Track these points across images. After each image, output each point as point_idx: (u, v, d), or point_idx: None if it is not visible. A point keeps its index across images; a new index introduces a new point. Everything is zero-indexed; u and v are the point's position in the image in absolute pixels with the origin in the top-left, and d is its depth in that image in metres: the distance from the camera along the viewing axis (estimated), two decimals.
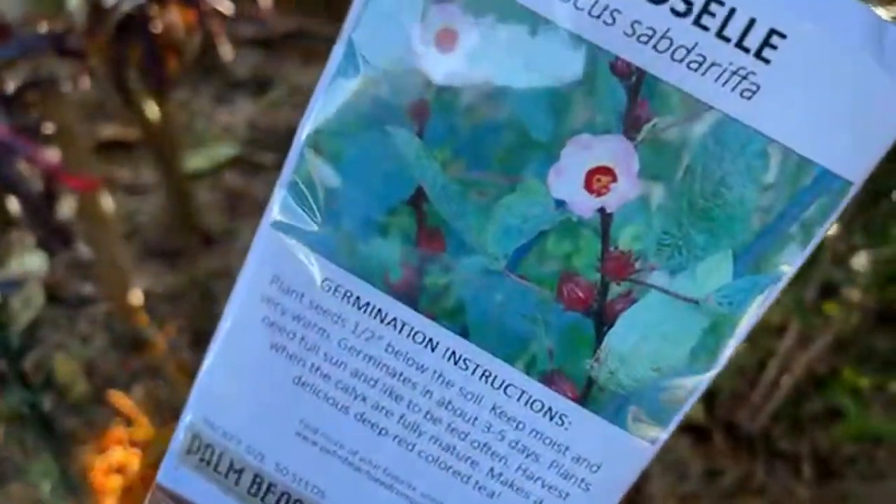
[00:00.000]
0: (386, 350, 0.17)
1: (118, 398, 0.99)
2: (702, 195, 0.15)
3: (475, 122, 0.16)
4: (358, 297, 0.17)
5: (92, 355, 1.21)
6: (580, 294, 0.16)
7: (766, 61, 0.14)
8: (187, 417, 0.20)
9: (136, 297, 1.17)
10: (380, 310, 0.17)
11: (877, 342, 1.25)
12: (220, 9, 1.17)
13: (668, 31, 0.15)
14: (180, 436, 0.20)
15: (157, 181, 1.51)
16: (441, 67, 0.15)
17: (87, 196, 1.05)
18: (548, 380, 0.17)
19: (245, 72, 2.13)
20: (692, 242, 0.16)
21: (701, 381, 0.16)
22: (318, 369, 0.18)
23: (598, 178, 0.16)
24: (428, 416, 0.17)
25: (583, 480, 0.17)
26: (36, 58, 0.95)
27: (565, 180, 0.16)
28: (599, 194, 0.16)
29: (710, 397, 1.05)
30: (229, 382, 0.19)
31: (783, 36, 0.14)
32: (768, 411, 1.03)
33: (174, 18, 1.12)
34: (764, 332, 1.01)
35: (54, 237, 0.93)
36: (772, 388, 1.01)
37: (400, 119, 0.16)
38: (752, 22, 0.14)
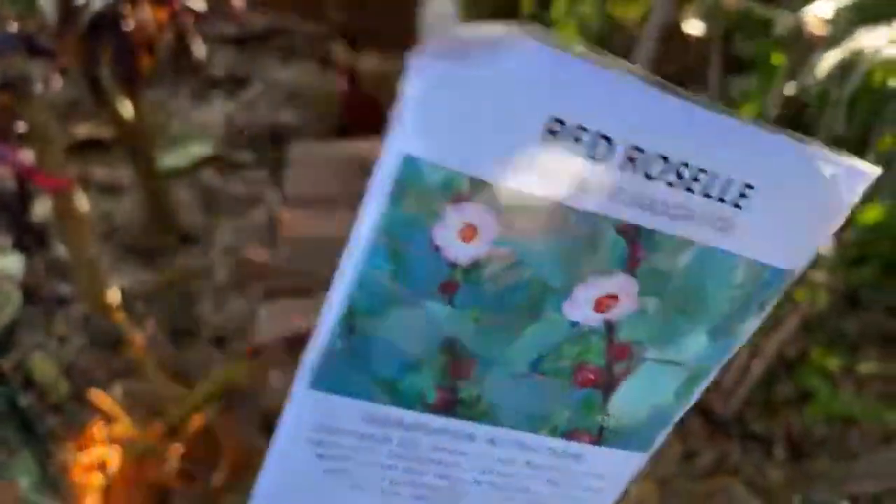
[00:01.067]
0: (431, 449, 0.21)
1: (97, 396, 0.99)
2: (686, 300, 0.19)
3: (500, 287, 0.19)
4: (401, 421, 0.20)
5: (70, 355, 1.21)
6: (591, 376, 0.21)
7: (739, 207, 0.18)
8: None
9: (114, 295, 1.17)
10: (421, 424, 0.21)
11: (844, 325, 1.27)
12: (193, 6, 1.17)
13: (663, 198, 0.18)
14: None
15: (133, 180, 1.50)
16: (465, 254, 0.18)
17: (62, 196, 1.05)
18: (568, 435, 0.21)
19: (221, 71, 2.12)
20: (677, 328, 0.20)
21: (680, 411, 0.22)
22: (370, 476, 0.21)
23: (606, 303, 0.19)
24: (474, 482, 0.21)
25: (595, 488, 0.22)
26: (7, 58, 0.95)
27: (578, 310, 0.19)
28: (606, 312, 0.19)
29: None
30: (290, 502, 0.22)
31: (752, 187, 0.18)
32: (741, 395, 1.05)
33: (146, 16, 1.12)
34: None
35: (29, 237, 0.93)
36: (744, 372, 1.03)
37: (431, 296, 0.19)
38: (729, 182, 0.18)
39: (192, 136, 1.83)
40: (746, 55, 1.18)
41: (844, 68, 0.63)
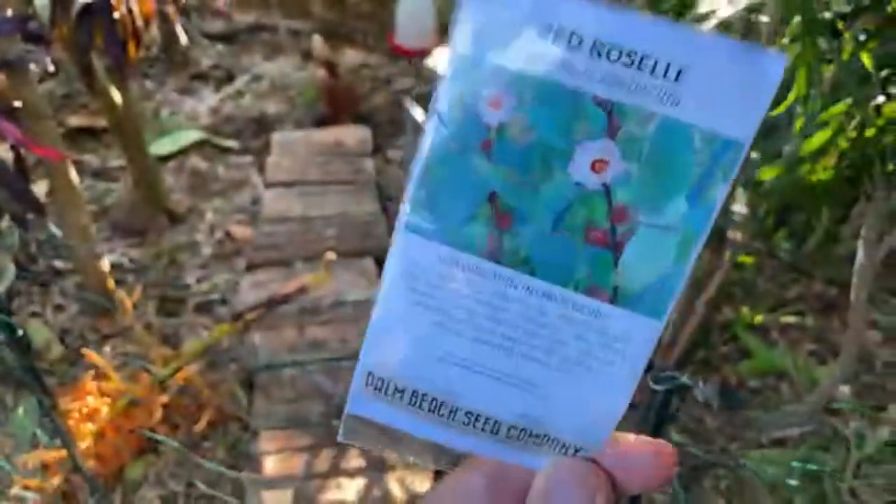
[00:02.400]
0: (485, 293, 0.27)
1: (90, 354, 1.08)
2: (659, 164, 0.25)
3: (520, 145, 0.25)
4: (463, 263, 0.26)
5: (64, 322, 1.30)
6: (600, 236, 0.26)
7: (679, 83, 0.24)
8: (362, 362, 0.27)
9: (105, 265, 1.26)
10: (478, 267, 0.26)
11: (786, 292, 1.36)
12: None
13: (622, 76, 0.24)
14: (359, 376, 0.28)
15: (124, 165, 1.58)
16: (495, 119, 0.25)
17: (56, 170, 1.13)
18: (589, 291, 0.26)
19: (209, 64, 2.21)
20: (659, 192, 0.26)
21: (682, 276, 0.26)
22: (445, 313, 0.27)
23: (598, 165, 0.25)
24: (518, 329, 0.27)
25: (620, 350, 0.27)
26: (2, 40, 1.02)
27: (579, 169, 0.25)
28: (600, 174, 0.25)
29: None
30: (390, 331, 0.27)
31: (687, 67, 0.24)
32: (680, 349, 1.14)
33: (133, 6, 1.20)
34: None
35: (28, 207, 1.01)
36: (679, 329, 1.12)
37: (476, 152, 0.25)
38: (668, 64, 0.24)
39: (181, 124, 1.92)
40: None
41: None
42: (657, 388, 0.61)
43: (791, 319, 1.27)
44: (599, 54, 0.24)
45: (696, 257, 0.26)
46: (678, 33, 0.24)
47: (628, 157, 0.25)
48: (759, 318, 1.24)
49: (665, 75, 0.24)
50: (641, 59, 0.24)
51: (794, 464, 0.94)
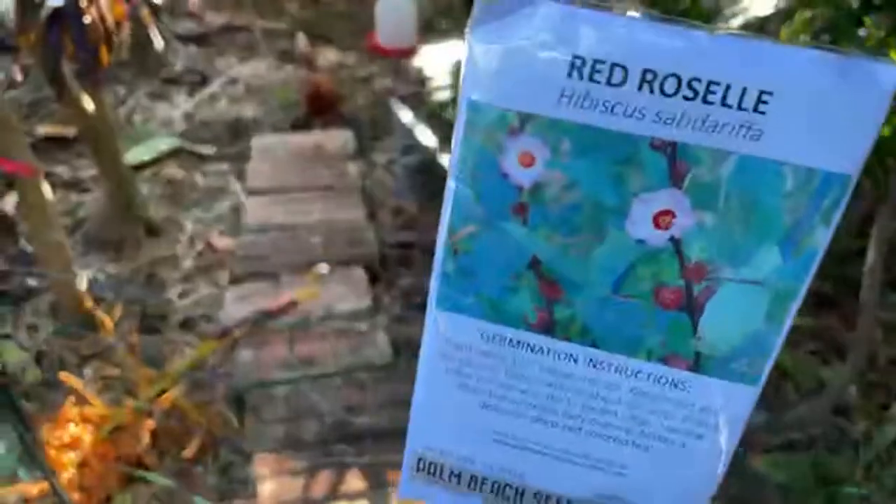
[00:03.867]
0: (540, 370, 0.24)
1: (69, 378, 1.02)
2: (742, 211, 0.21)
3: (562, 206, 0.21)
4: (509, 339, 0.23)
5: (40, 343, 1.24)
6: (672, 297, 0.22)
7: (763, 113, 0.20)
8: (410, 447, 0.25)
9: (81, 283, 1.20)
10: (528, 344, 0.23)
11: None
12: (151, 0, 1.20)
13: (684, 112, 0.20)
14: (408, 460, 0.26)
15: (97, 175, 1.52)
16: (528, 178, 0.21)
17: (27, 185, 1.08)
18: (665, 361, 0.23)
19: (182, 67, 2.14)
20: (743, 244, 0.21)
21: (779, 335, 0.23)
22: (494, 394, 0.24)
23: (663, 218, 0.21)
24: (584, 406, 0.24)
25: (710, 424, 0.24)
26: None
27: (639, 226, 0.21)
28: (666, 228, 0.21)
29: None
30: (436, 415, 0.25)
31: (770, 93, 0.20)
32: None
33: (104, 11, 1.15)
34: None
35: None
36: None
37: (507, 217, 0.22)
38: (744, 90, 0.20)
39: (155, 131, 1.85)
40: None
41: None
42: None
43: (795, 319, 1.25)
44: (651, 87, 0.20)
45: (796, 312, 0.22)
46: (756, 50, 0.19)
47: (701, 205, 0.21)
48: None
49: (741, 105, 0.20)
50: (708, 87, 0.20)
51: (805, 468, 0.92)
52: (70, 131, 1.74)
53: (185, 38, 2.27)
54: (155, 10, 1.16)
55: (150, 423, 1.03)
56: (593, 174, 0.21)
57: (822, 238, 0.21)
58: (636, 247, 0.22)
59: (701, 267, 0.22)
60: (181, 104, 2.00)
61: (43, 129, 1.81)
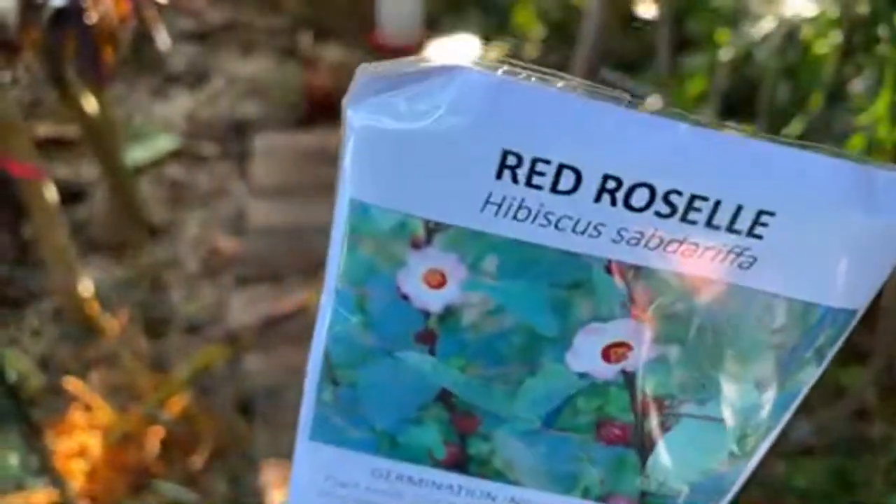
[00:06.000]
0: None
1: (75, 385, 1.00)
2: (716, 346, 0.16)
3: (483, 334, 0.17)
4: (410, 477, 0.19)
5: (43, 348, 1.22)
6: (618, 433, 0.18)
7: (759, 237, 0.15)
8: None
9: (86, 288, 1.18)
10: (433, 481, 0.19)
11: None
12: None
13: (655, 231, 0.15)
14: None
15: (99, 177, 1.50)
16: (437, 301, 0.16)
17: (32, 187, 1.05)
18: (604, 499, 0.19)
19: (182, 65, 2.12)
20: (714, 380, 0.17)
21: (742, 473, 0.19)
22: None
23: (615, 351, 0.17)
24: None
25: None
26: None
27: (583, 360, 0.17)
28: (618, 361, 0.17)
29: None
30: None
31: (772, 214, 0.15)
32: None
33: (108, 9, 1.12)
34: None
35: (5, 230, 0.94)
36: None
37: (408, 346, 0.17)
38: (739, 209, 0.15)
39: (155, 131, 1.83)
40: (697, 35, 1.23)
41: (784, 39, 0.67)
42: None
43: None
44: (613, 199, 0.14)
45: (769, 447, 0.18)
46: (760, 154, 0.14)
47: (665, 339, 0.16)
48: None
49: (732, 227, 0.15)
50: (691, 202, 0.14)
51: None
52: (72, 132, 1.72)
53: (185, 36, 2.25)
54: (160, 9, 1.14)
55: (159, 430, 1.01)
56: (527, 300, 0.16)
57: (810, 377, 0.17)
58: (577, 380, 0.17)
59: (657, 402, 0.18)
60: (182, 103, 1.98)
61: (44, 130, 1.78)
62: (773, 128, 0.83)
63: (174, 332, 1.26)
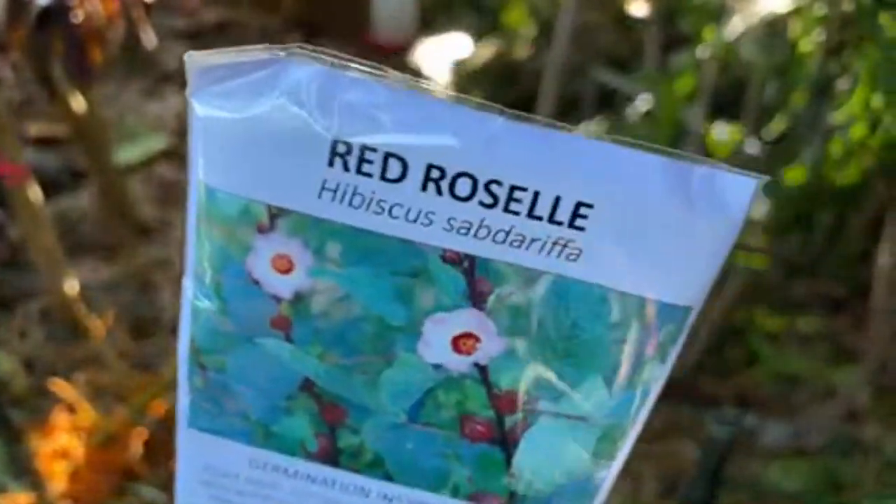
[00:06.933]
0: (325, 502, 0.20)
1: (59, 386, 1.00)
2: (559, 339, 0.17)
3: (334, 322, 0.17)
4: (286, 469, 0.19)
5: (29, 349, 1.21)
6: (481, 429, 0.19)
7: (581, 229, 0.16)
8: None
9: (73, 288, 1.17)
10: (308, 474, 0.19)
11: (791, 292, 1.32)
12: None
13: (483, 220, 0.16)
14: None
15: (88, 176, 1.50)
16: (286, 287, 0.17)
17: (18, 186, 1.05)
18: (474, 499, 0.19)
19: (174, 65, 2.11)
20: (563, 375, 0.18)
21: (607, 476, 0.19)
22: None
23: (463, 342, 0.18)
24: None
25: None
26: None
27: (434, 350, 0.18)
28: (469, 353, 0.18)
29: None
30: None
31: (590, 206, 0.15)
32: (692, 360, 1.09)
33: (95, 8, 1.12)
34: None
35: None
36: (692, 337, 1.07)
37: (265, 332, 0.18)
38: (557, 200, 0.15)
39: (146, 131, 1.82)
40: (687, 33, 1.23)
41: (766, 36, 0.67)
42: (720, 431, 0.54)
43: (804, 322, 1.23)
44: (439, 188, 0.15)
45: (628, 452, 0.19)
46: (575, 147, 0.15)
47: (509, 331, 0.17)
48: (773, 324, 1.19)
49: (553, 218, 0.15)
50: (511, 192, 0.15)
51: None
52: (60, 131, 1.71)
53: (177, 35, 2.24)
54: (147, 8, 1.13)
55: (143, 432, 1.00)
56: (372, 288, 0.16)
57: (656, 374, 0.18)
58: (434, 372, 0.18)
59: (513, 397, 0.18)
60: (173, 103, 1.97)
61: (33, 129, 1.77)
62: (760, 126, 0.83)
63: (162, 333, 1.25)
